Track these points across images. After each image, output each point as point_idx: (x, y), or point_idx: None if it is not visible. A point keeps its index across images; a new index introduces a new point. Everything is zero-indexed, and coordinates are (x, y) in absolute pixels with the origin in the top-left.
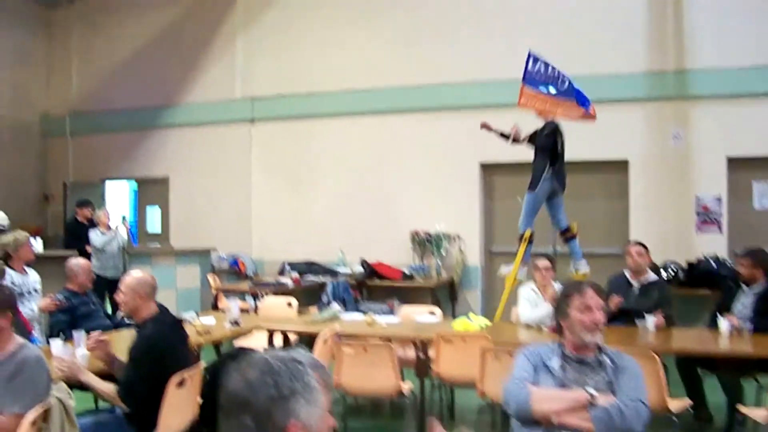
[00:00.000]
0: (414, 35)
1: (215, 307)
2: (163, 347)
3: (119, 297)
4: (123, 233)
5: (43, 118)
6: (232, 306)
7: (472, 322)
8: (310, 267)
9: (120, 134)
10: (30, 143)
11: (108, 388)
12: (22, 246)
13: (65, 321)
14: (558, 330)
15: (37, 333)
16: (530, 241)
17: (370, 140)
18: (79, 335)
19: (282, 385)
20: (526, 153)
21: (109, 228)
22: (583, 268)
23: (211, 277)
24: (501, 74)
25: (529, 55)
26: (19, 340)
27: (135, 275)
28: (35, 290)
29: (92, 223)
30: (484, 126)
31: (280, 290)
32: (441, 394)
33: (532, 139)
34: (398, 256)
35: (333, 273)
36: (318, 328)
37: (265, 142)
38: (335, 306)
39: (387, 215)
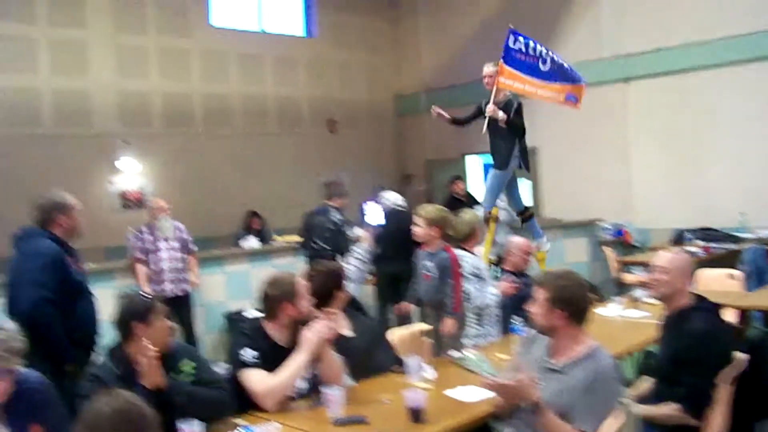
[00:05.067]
0: None
1: (619, 283)
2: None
3: (653, 276)
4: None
5: (396, 98)
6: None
7: None
8: (706, 233)
9: None
10: (385, 124)
11: (669, 408)
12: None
13: (510, 307)
14: None
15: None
16: (497, 220)
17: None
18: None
19: None
20: None
21: None
22: (544, 246)
23: (607, 250)
24: None
25: (509, 32)
26: (591, 342)
27: (677, 252)
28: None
29: (470, 198)
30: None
31: None
32: None
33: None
34: None
35: (735, 239)
36: None
37: (642, 101)
38: None
39: None
